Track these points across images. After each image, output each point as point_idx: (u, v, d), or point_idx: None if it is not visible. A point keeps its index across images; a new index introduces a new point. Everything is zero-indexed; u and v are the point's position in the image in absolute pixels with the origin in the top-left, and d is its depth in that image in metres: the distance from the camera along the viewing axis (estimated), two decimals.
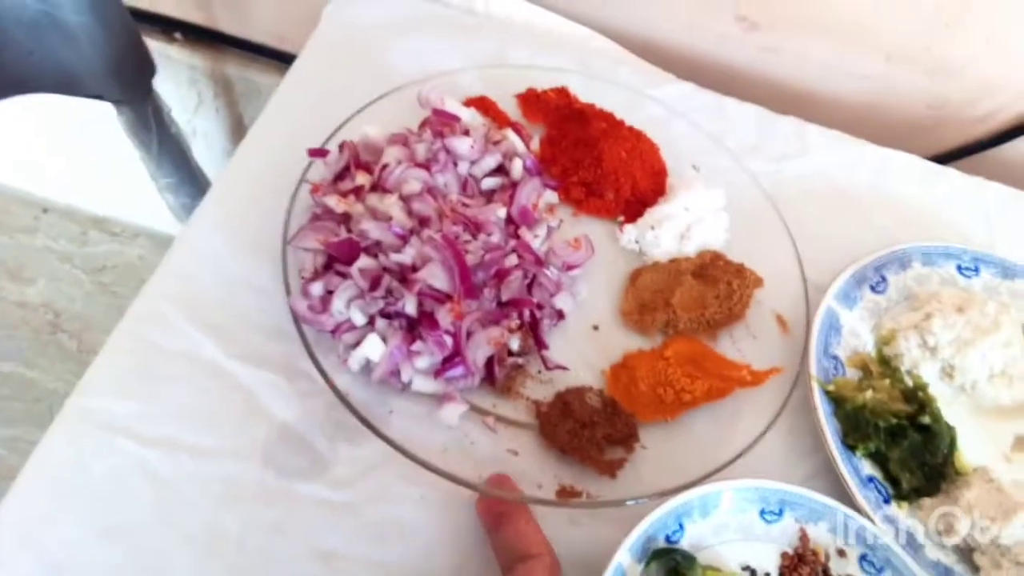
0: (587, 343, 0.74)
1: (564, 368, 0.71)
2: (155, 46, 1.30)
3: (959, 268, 0.84)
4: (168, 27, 1.29)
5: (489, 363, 0.68)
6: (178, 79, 1.36)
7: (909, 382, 0.74)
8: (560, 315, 0.74)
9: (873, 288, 0.80)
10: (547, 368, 0.71)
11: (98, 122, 1.28)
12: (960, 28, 0.92)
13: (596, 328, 0.75)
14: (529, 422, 0.68)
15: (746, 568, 0.62)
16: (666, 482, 0.63)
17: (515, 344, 0.69)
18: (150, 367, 0.66)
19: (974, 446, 0.72)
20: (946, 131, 1.05)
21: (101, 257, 1.88)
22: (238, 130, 1.48)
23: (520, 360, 0.70)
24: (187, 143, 1.28)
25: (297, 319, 0.65)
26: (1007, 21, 0.91)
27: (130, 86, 1.07)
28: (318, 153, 0.74)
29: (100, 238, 1.90)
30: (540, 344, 0.71)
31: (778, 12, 0.97)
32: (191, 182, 1.27)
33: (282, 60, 1.27)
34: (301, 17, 1.03)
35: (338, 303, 0.65)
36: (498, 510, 0.61)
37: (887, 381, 0.73)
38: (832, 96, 1.04)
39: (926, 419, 0.69)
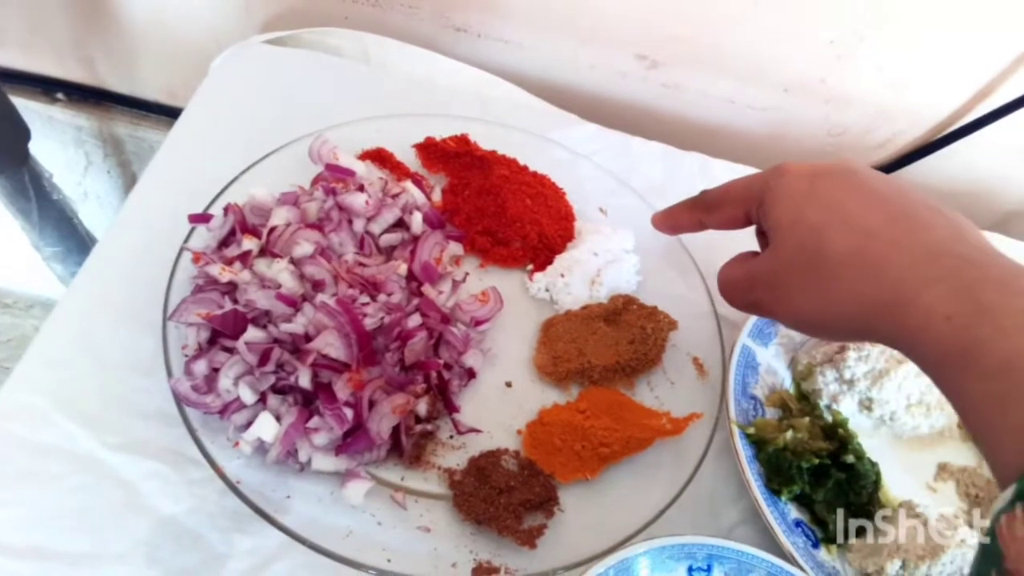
0: (500, 402, 0.70)
1: (477, 431, 0.68)
2: (36, 107, 1.23)
3: None
4: (49, 87, 1.22)
5: (395, 433, 0.63)
6: (64, 140, 1.29)
7: (829, 418, 0.72)
8: (470, 374, 0.70)
9: None
10: (459, 432, 0.67)
11: None
12: (852, 59, 0.93)
13: (509, 385, 0.72)
14: (442, 493, 0.64)
15: None
16: (589, 546, 0.59)
17: (423, 409, 0.65)
18: (17, 466, 0.60)
19: (898, 477, 0.72)
20: (848, 158, 1.06)
21: None
22: None
23: (429, 426, 0.66)
24: (72, 209, 1.20)
25: (179, 402, 0.60)
26: (897, 51, 0.92)
27: (1, 154, 1.00)
28: (200, 219, 0.69)
29: None
30: (450, 407, 0.67)
31: (677, 49, 0.97)
32: (79, 250, 1.19)
33: (174, 116, 1.19)
34: (191, 71, 0.99)
35: (225, 381, 0.60)
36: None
37: (807, 419, 0.71)
38: (735, 129, 1.04)
39: (849, 458, 0.68)
